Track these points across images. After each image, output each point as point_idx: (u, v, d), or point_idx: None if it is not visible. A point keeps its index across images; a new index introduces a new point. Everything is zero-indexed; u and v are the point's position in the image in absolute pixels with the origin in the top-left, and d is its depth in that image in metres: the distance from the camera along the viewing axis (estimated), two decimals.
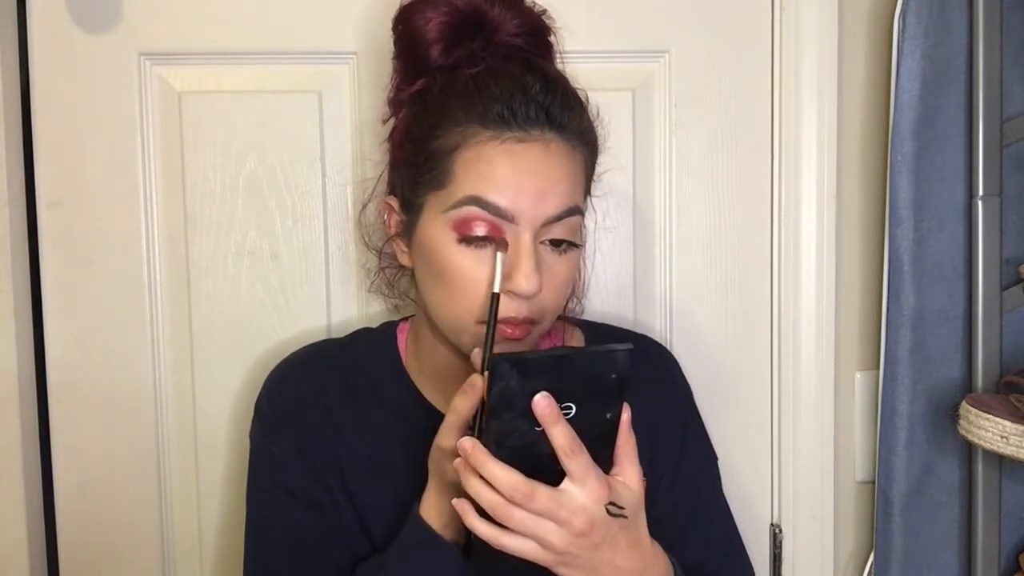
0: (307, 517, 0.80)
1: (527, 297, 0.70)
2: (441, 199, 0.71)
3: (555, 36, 0.80)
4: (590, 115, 0.77)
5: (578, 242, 0.74)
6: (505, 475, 0.62)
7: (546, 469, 0.63)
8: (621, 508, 0.65)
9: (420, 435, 0.80)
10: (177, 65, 0.99)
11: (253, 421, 0.84)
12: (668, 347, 0.98)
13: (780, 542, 1.08)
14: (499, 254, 0.69)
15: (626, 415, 0.66)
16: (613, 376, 0.63)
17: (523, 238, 0.70)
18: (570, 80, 0.76)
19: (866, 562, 1.08)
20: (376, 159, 0.99)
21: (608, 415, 0.65)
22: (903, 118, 0.99)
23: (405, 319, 0.89)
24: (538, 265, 0.70)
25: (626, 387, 0.63)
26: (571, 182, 0.72)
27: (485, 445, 0.63)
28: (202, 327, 1.01)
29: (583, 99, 0.76)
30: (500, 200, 0.69)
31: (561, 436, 0.62)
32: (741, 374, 1.07)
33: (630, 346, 0.62)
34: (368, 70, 1.00)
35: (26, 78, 0.98)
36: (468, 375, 0.78)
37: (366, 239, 0.94)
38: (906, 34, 0.98)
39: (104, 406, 1.00)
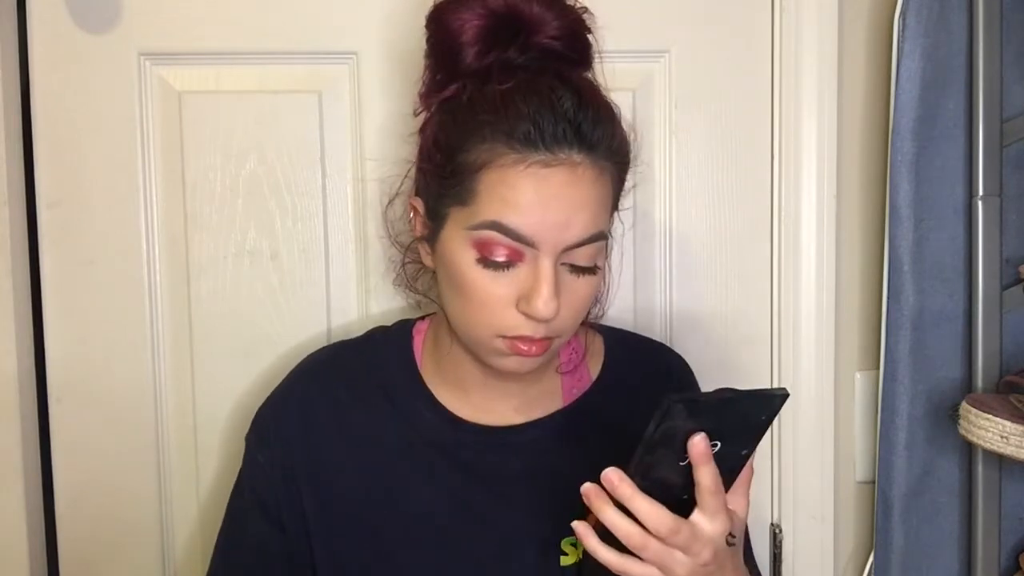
0: (271, 533, 0.81)
1: (545, 322, 0.70)
2: (464, 215, 0.70)
3: (594, 36, 0.77)
4: (623, 128, 0.74)
5: (600, 264, 0.74)
6: (652, 510, 0.62)
7: (672, 497, 0.64)
8: (735, 537, 0.66)
9: (430, 438, 0.80)
10: (177, 65, 0.99)
11: (251, 426, 0.84)
12: (668, 347, 0.98)
13: (780, 542, 1.08)
14: None
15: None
16: (763, 418, 0.64)
17: (543, 263, 0.69)
18: (603, 91, 0.75)
19: (866, 562, 1.08)
20: (377, 159, 1.00)
21: (744, 452, 0.66)
22: (903, 118, 0.99)
23: (422, 318, 0.89)
24: (557, 290, 0.69)
25: (769, 426, 0.64)
26: (596, 207, 0.70)
27: (631, 477, 0.63)
28: (202, 327, 1.01)
29: (616, 111, 0.74)
30: (522, 227, 0.68)
31: (708, 476, 0.62)
32: (741, 374, 1.07)
33: (786, 391, 0.63)
34: (368, 70, 0.99)
35: (26, 78, 0.98)
36: (487, 382, 0.79)
37: (391, 233, 0.92)
38: (906, 34, 0.98)
39: (104, 406, 1.00)
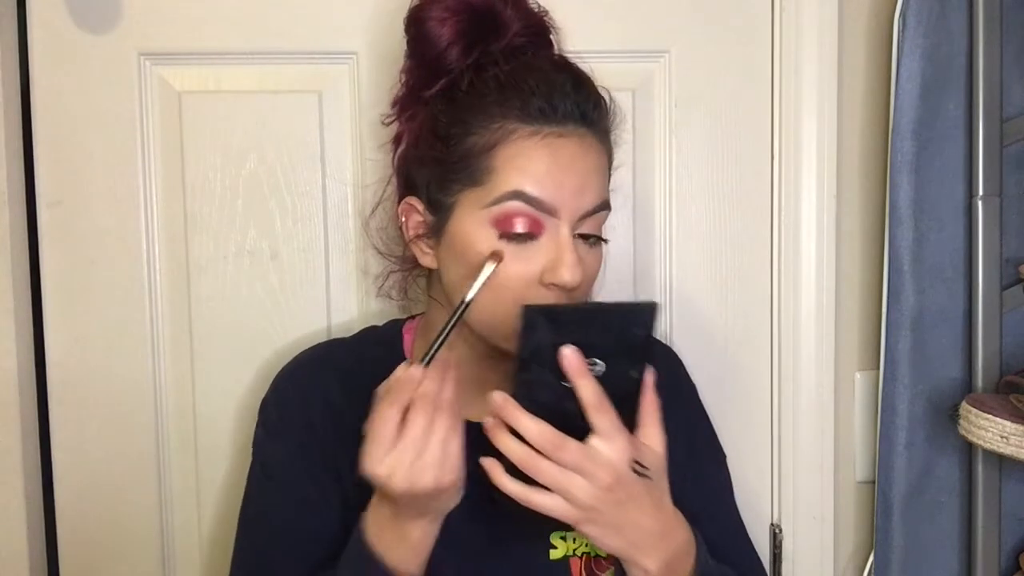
0: (301, 520, 0.80)
1: (570, 290, 0.71)
2: (479, 196, 0.71)
3: (555, 36, 0.81)
4: (611, 115, 0.78)
5: (605, 236, 0.76)
6: (535, 426, 0.63)
7: (573, 428, 0.64)
8: (646, 468, 0.66)
9: None
10: (177, 65, 0.99)
11: (258, 419, 0.84)
12: (655, 338, 0.98)
13: (780, 542, 1.08)
14: (489, 264, 0.69)
15: (649, 377, 0.67)
16: (638, 333, 0.64)
17: (562, 231, 0.71)
18: (594, 79, 0.77)
19: (866, 562, 1.08)
20: (378, 159, 0.99)
21: (633, 374, 0.66)
22: (903, 118, 0.99)
23: (412, 317, 0.89)
24: (579, 258, 0.71)
25: (651, 346, 0.65)
26: (603, 177, 0.74)
27: (516, 399, 0.64)
28: (202, 327, 1.01)
29: (607, 98, 0.77)
30: (543, 194, 0.70)
31: (588, 390, 0.63)
32: (741, 374, 1.07)
33: (655, 303, 0.64)
34: (368, 70, 1.00)
35: (26, 78, 0.98)
36: (478, 376, 0.78)
37: (376, 244, 0.93)
38: (906, 34, 0.98)
39: (104, 406, 1.00)
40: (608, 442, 0.64)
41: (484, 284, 0.69)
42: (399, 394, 0.65)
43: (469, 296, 0.69)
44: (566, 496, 0.64)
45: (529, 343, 0.62)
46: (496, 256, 0.70)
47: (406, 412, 0.65)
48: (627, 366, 0.65)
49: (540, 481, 0.64)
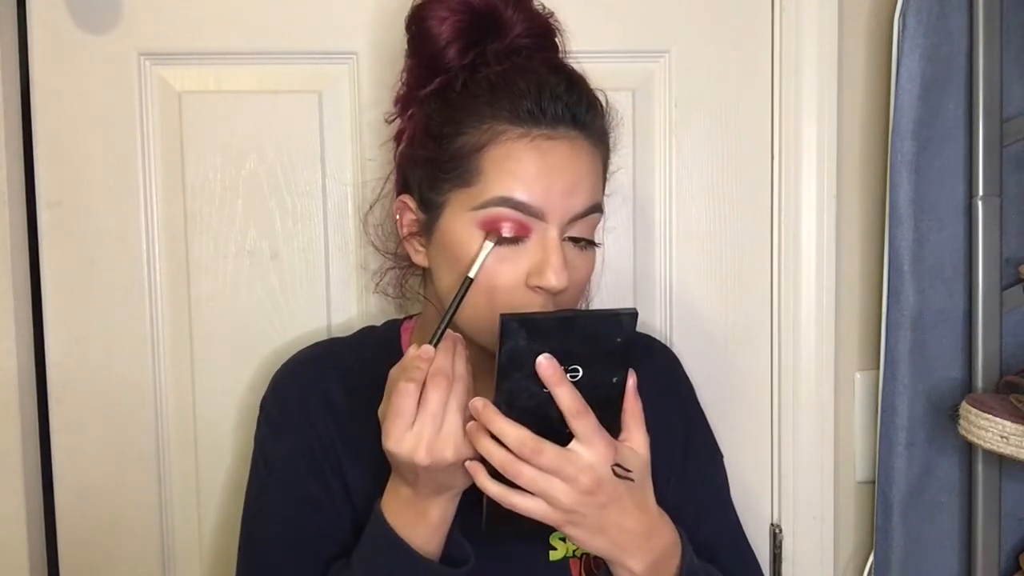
0: (306, 516, 0.80)
1: (556, 293, 0.71)
2: (468, 197, 0.71)
3: (560, 38, 0.81)
4: (606, 117, 0.78)
5: (597, 240, 0.76)
6: (514, 431, 0.63)
7: (556, 432, 0.64)
8: (628, 471, 0.66)
9: None
10: (177, 65, 0.99)
11: (259, 418, 0.84)
12: (652, 336, 0.98)
13: (780, 542, 1.08)
14: (487, 243, 0.70)
15: (632, 380, 0.67)
16: (618, 340, 0.64)
17: (550, 234, 0.71)
18: (588, 81, 0.77)
19: (866, 562, 1.08)
20: (377, 159, 1.00)
21: (614, 379, 0.66)
22: (903, 118, 0.99)
23: (409, 317, 0.89)
24: (566, 262, 0.71)
25: (631, 351, 0.65)
26: (594, 180, 0.74)
27: (496, 405, 0.64)
28: (202, 327, 1.01)
29: (602, 100, 0.77)
30: (530, 199, 0.70)
31: (566, 397, 0.63)
32: (741, 374, 1.07)
33: (635, 310, 0.64)
34: (368, 70, 1.00)
35: (26, 78, 0.98)
36: (475, 374, 0.79)
37: (374, 240, 0.93)
38: (906, 34, 0.98)
39: (104, 406, 1.00)
40: (588, 446, 0.64)
41: (474, 282, 0.70)
42: (414, 371, 0.66)
43: (472, 273, 0.70)
44: (547, 499, 0.64)
45: (507, 351, 0.63)
46: (494, 234, 0.70)
47: (422, 389, 0.66)
48: (608, 372, 0.66)
49: (520, 485, 0.64)
